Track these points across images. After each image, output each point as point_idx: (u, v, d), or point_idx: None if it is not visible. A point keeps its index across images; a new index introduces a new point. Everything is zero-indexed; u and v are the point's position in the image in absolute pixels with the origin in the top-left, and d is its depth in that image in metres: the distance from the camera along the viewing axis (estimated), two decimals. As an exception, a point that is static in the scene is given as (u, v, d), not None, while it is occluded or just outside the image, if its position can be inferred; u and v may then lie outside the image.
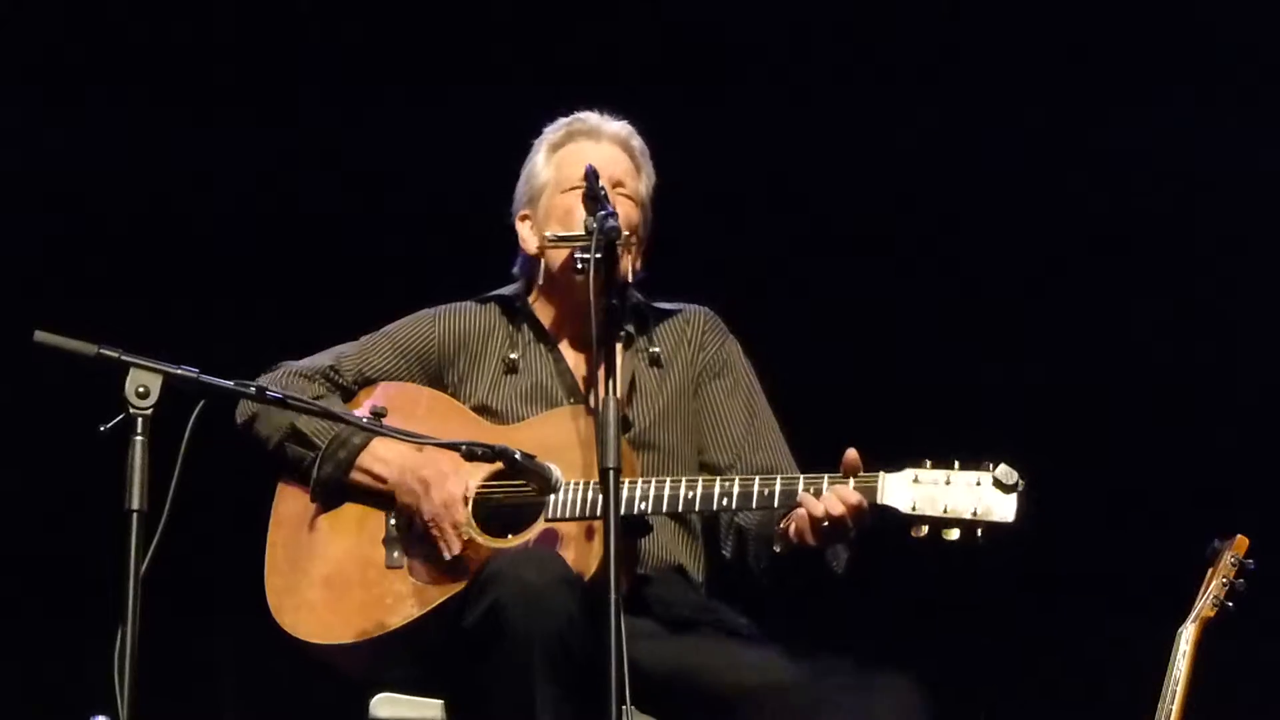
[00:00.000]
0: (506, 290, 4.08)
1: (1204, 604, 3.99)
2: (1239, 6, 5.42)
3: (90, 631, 3.36)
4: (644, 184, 4.05)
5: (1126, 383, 5.44)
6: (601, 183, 3.72)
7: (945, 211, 5.57)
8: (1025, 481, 3.54)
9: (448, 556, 3.72)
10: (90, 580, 3.78)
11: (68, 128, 5.42)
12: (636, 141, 4.07)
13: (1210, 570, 4.02)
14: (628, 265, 3.88)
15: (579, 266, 3.68)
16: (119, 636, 3.15)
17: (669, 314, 4.07)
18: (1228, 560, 4.00)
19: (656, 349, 4.02)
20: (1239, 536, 4.02)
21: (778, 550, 3.76)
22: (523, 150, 4.13)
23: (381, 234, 5.55)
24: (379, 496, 3.82)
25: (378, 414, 3.72)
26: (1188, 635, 3.98)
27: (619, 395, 3.74)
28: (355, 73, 5.53)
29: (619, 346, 3.92)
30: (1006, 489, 3.54)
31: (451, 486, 3.73)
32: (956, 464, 3.59)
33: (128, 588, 3.17)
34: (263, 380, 3.92)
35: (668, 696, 3.68)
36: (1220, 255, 5.45)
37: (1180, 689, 3.95)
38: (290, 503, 3.87)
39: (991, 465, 3.57)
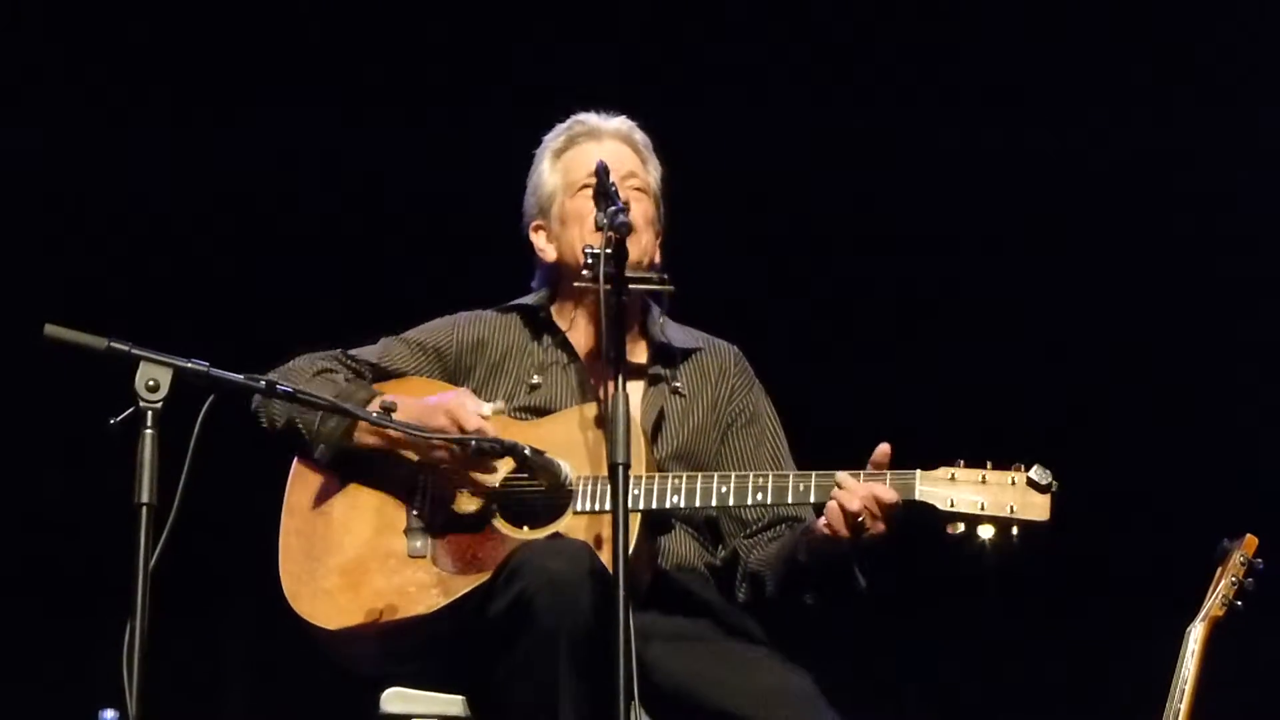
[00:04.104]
0: (529, 300, 4.06)
1: (1213, 603, 3.99)
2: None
3: (99, 625, 3.36)
4: (653, 175, 4.04)
5: (1134, 380, 5.44)
6: (611, 178, 3.71)
7: (948, 216, 5.58)
8: (1059, 483, 3.57)
9: (477, 426, 3.67)
10: (100, 574, 3.78)
11: (70, 123, 5.43)
12: (639, 135, 4.06)
13: (1219, 569, 4.01)
14: (644, 252, 3.88)
15: (588, 262, 3.67)
16: (128, 630, 3.15)
17: (694, 350, 4.04)
18: (1237, 560, 4.00)
19: (680, 383, 3.99)
20: (1248, 536, 4.02)
21: (802, 558, 3.75)
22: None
23: (387, 234, 5.57)
24: (384, 461, 3.78)
25: (387, 409, 3.72)
26: (1196, 634, 3.98)
27: (646, 429, 3.80)
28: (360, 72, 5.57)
29: (644, 383, 3.95)
30: (1041, 489, 3.57)
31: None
32: (990, 464, 3.61)
33: (137, 581, 3.17)
34: (275, 373, 3.89)
35: (678, 703, 3.67)
36: (1227, 253, 5.46)
37: (1189, 688, 3.95)
38: (302, 491, 3.84)
39: (1025, 466, 3.59)
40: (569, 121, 4.08)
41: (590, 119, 4.06)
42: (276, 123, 5.48)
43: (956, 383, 5.46)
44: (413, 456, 3.76)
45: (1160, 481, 5.31)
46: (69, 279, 5.26)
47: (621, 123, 4.06)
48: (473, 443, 3.59)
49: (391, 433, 3.72)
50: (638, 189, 3.97)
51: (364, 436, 3.78)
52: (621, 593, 3.36)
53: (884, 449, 3.63)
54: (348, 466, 3.82)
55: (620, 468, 3.44)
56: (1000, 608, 5.18)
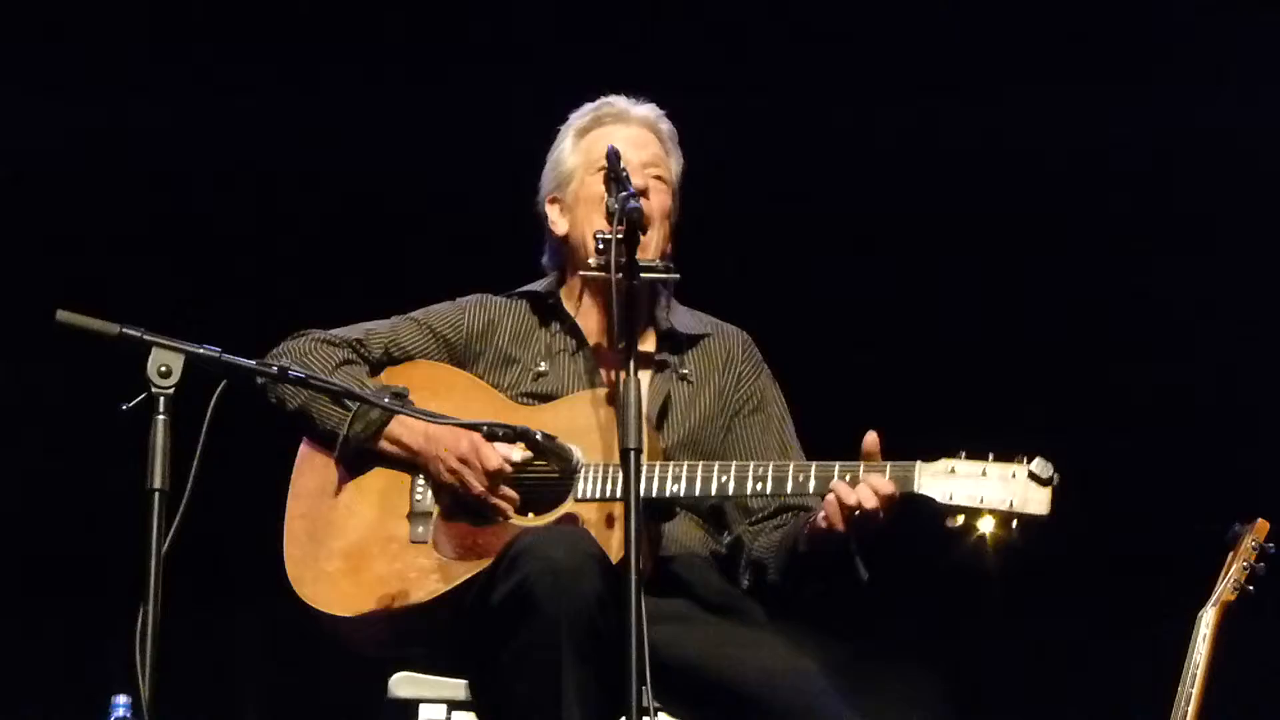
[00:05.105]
0: (538, 285, 4.05)
1: (1224, 588, 3.99)
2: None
3: (111, 611, 3.35)
4: (674, 167, 4.02)
5: (1146, 365, 5.44)
6: (627, 165, 3.68)
7: (948, 214, 5.59)
8: (1060, 476, 3.55)
9: (505, 519, 3.69)
10: (112, 560, 3.77)
11: (78, 109, 5.44)
12: (665, 125, 4.04)
13: (1231, 554, 4.02)
14: (658, 247, 3.87)
15: (600, 247, 3.67)
16: (140, 616, 3.14)
17: (702, 336, 4.02)
18: (1248, 544, 4.00)
19: (687, 370, 3.98)
20: (1260, 520, 4.03)
21: (802, 549, 3.74)
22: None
23: (390, 227, 5.57)
24: (403, 467, 3.79)
25: (399, 394, 3.72)
26: (1208, 619, 3.98)
27: (651, 416, 3.78)
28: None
29: (651, 370, 3.93)
30: (1042, 482, 3.55)
31: (489, 453, 3.70)
32: (991, 456, 3.58)
33: (149, 567, 3.16)
34: (288, 344, 3.91)
35: (685, 681, 3.66)
36: (1239, 238, 5.47)
37: (1200, 672, 3.95)
38: (310, 476, 3.85)
39: (1026, 459, 3.57)
40: (598, 102, 4.06)
41: (619, 102, 4.04)
42: (276, 117, 5.48)
43: (957, 379, 5.46)
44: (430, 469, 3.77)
45: (1172, 465, 5.31)
46: (70, 277, 5.25)
47: (650, 110, 4.04)
48: (484, 427, 3.58)
49: (410, 447, 3.75)
50: (658, 178, 3.96)
51: (387, 446, 3.79)
52: (634, 578, 3.34)
53: (872, 437, 3.61)
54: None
55: (632, 453, 3.43)
56: (1007, 593, 5.17)
